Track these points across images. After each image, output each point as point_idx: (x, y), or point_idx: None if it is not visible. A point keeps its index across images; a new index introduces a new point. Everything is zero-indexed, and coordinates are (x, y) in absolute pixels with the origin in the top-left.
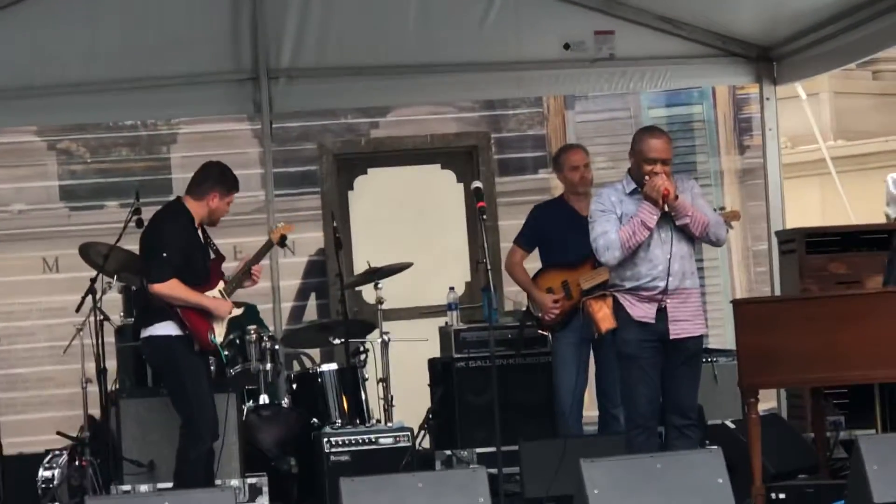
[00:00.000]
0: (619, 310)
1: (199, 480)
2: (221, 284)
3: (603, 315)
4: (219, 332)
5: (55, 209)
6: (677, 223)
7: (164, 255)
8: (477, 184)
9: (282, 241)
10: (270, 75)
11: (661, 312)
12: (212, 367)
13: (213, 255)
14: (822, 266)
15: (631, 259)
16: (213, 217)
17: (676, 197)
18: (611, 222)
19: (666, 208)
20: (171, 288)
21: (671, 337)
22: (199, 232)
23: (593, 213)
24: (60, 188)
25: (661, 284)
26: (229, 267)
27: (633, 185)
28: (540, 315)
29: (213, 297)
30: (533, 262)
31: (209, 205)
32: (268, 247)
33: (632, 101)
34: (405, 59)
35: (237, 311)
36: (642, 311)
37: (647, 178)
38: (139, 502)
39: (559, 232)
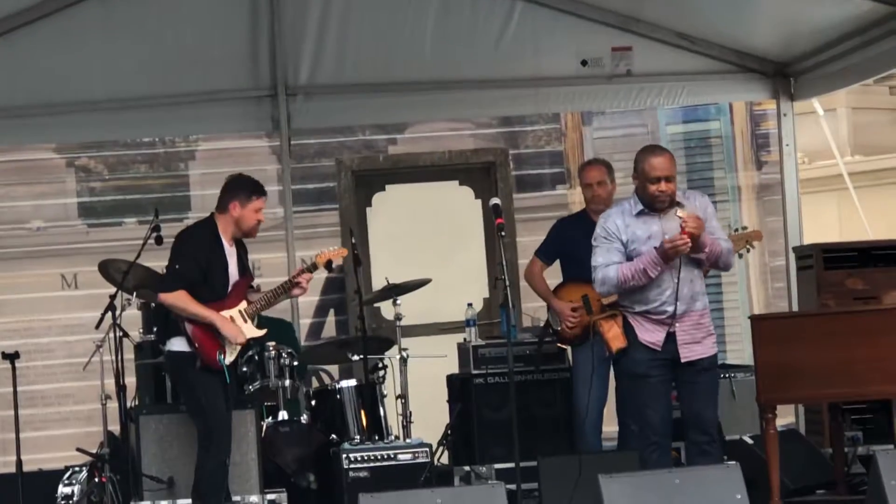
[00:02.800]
0: (629, 329)
1: (218, 493)
2: (244, 305)
3: (613, 335)
4: (230, 352)
5: (73, 226)
6: (692, 255)
7: (177, 266)
8: (495, 200)
9: (328, 266)
10: (289, 92)
11: (671, 336)
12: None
13: (239, 275)
14: (839, 282)
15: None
16: (242, 227)
17: (698, 236)
18: (612, 252)
19: (670, 262)
20: (177, 298)
21: (682, 360)
22: (234, 249)
23: (596, 237)
24: (79, 205)
25: (670, 309)
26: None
27: (640, 207)
28: (559, 328)
29: (223, 316)
30: (553, 277)
31: (232, 215)
32: (311, 270)
33: (649, 117)
34: (422, 76)
35: (258, 333)
36: (651, 337)
37: (665, 242)
38: None
39: (580, 246)
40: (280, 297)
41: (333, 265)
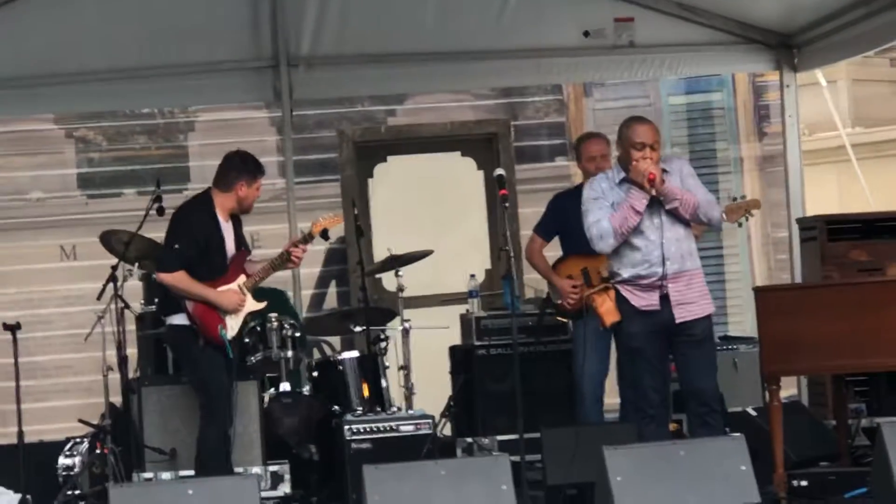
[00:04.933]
0: (622, 302)
1: (220, 464)
2: (242, 278)
3: (606, 309)
4: (231, 326)
5: (73, 197)
6: (667, 207)
7: (177, 246)
8: (500, 171)
9: (324, 235)
10: (290, 63)
11: (665, 298)
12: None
13: (236, 249)
14: (843, 253)
15: (627, 246)
16: (243, 205)
17: (663, 181)
18: (603, 210)
19: (654, 192)
20: (177, 280)
21: (677, 321)
22: (229, 224)
23: (585, 201)
24: (78, 176)
25: (659, 270)
26: (256, 255)
27: (622, 174)
28: (560, 302)
29: (220, 292)
30: (554, 251)
31: (238, 194)
32: (307, 240)
33: (651, 88)
34: (424, 47)
35: (258, 306)
36: (645, 301)
37: (633, 162)
38: (162, 490)
39: (579, 220)
40: (276, 270)
41: (329, 233)
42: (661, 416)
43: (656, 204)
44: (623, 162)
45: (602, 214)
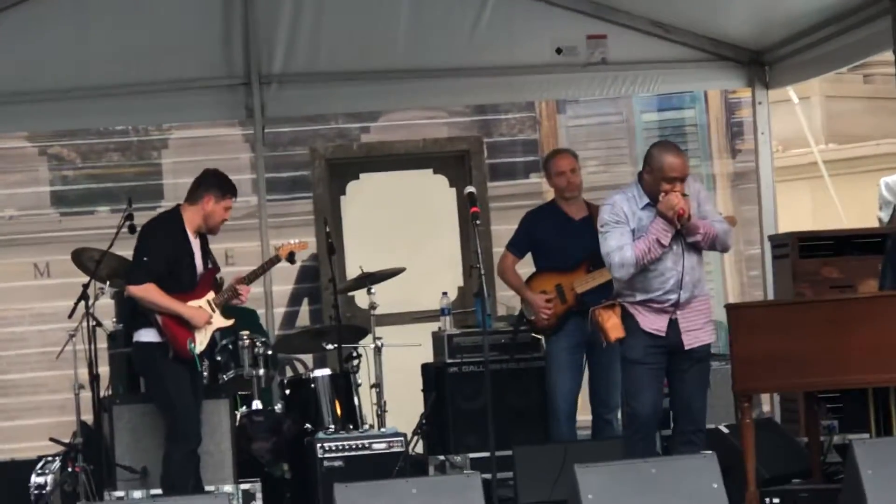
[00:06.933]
0: (627, 318)
1: (186, 484)
2: (211, 295)
3: (612, 324)
4: (199, 341)
5: (46, 215)
6: (688, 240)
7: (145, 259)
8: (470, 189)
9: (290, 258)
10: (262, 80)
11: (673, 324)
12: (204, 374)
13: (206, 266)
14: (815, 270)
15: (642, 271)
16: (209, 223)
17: (690, 217)
18: (625, 236)
19: (679, 226)
20: (146, 291)
21: (686, 348)
22: (197, 240)
23: (607, 223)
24: (51, 194)
25: (673, 297)
26: (229, 272)
27: (647, 200)
28: (533, 318)
29: (190, 306)
30: (527, 268)
31: (203, 209)
32: (273, 262)
33: (624, 105)
34: (397, 64)
35: (226, 323)
36: (653, 324)
37: (662, 194)
38: None
39: (552, 237)
40: (227, 302)
41: (296, 257)
42: (651, 430)
43: (677, 233)
44: (649, 188)
45: (625, 241)
